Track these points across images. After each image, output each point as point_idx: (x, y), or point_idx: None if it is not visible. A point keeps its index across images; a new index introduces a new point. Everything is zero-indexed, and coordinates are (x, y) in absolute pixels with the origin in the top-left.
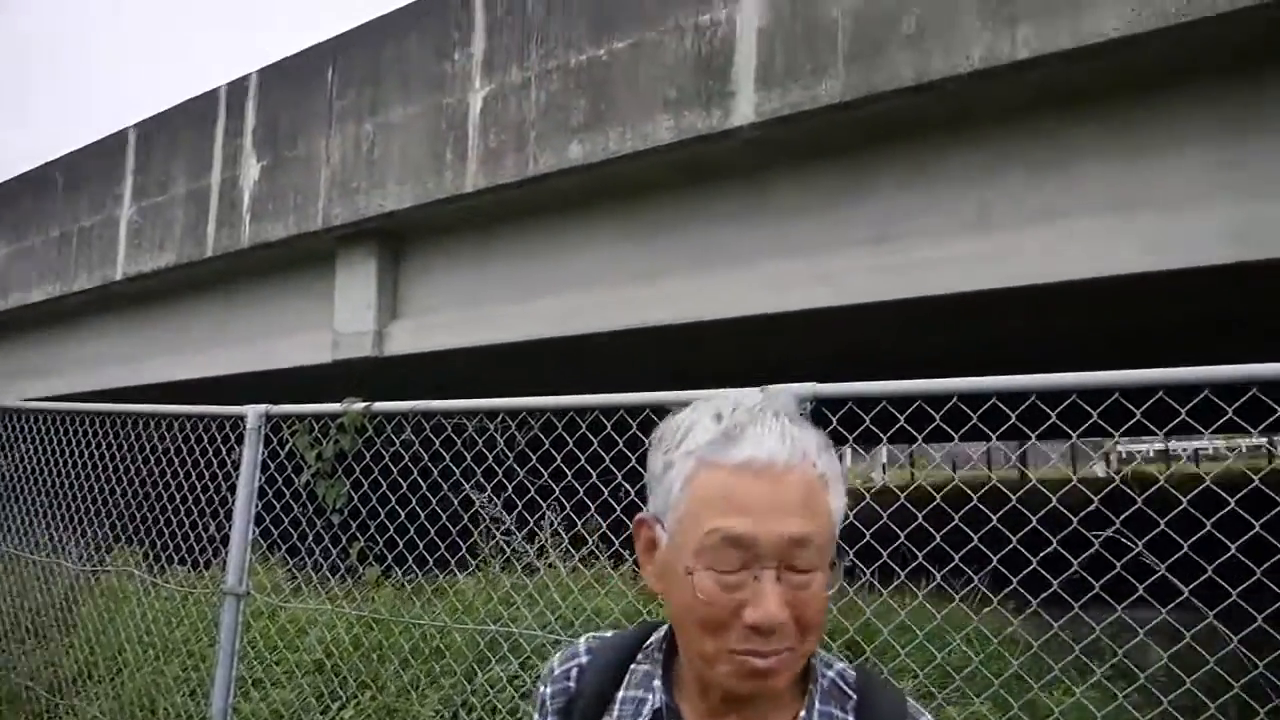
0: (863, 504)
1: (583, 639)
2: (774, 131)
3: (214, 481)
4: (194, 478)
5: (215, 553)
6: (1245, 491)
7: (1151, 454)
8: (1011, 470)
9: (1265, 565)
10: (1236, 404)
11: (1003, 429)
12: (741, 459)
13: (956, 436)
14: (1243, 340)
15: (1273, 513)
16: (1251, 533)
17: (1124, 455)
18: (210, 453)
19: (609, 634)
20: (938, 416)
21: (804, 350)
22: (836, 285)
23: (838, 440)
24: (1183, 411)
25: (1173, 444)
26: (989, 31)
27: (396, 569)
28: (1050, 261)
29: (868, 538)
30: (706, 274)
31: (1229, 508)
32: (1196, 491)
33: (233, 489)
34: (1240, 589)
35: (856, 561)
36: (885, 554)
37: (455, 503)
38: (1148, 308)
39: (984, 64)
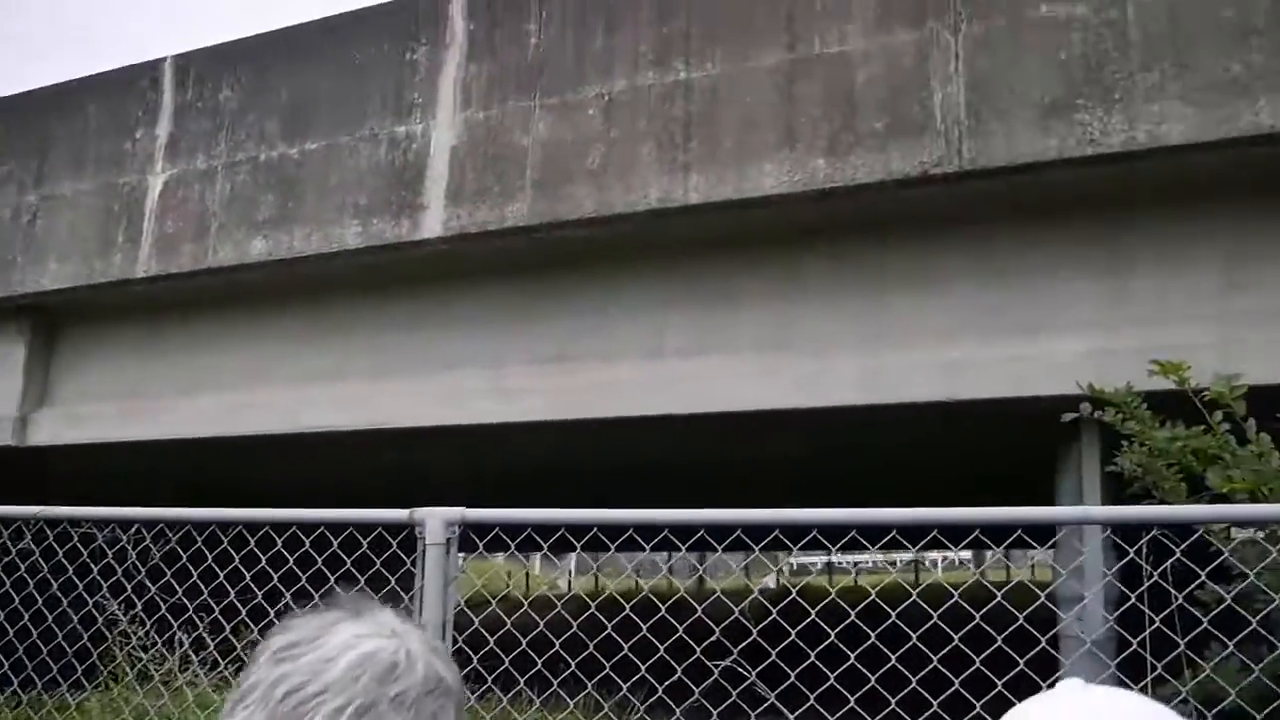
0: (520, 611)
1: None
2: (462, 247)
3: None
4: None
5: None
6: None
7: (820, 566)
8: (691, 581)
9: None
10: (842, 540)
11: (651, 545)
12: None
13: (578, 546)
14: (882, 473)
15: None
16: (833, 650)
17: (795, 567)
18: None
19: None
20: (578, 545)
21: (479, 464)
22: (514, 402)
23: (493, 549)
24: (793, 548)
25: (836, 557)
26: (665, 175)
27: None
28: (718, 392)
29: (491, 645)
30: (388, 380)
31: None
32: (805, 622)
33: None
34: (857, 695)
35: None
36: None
37: (75, 618)
38: (801, 439)
39: (660, 204)
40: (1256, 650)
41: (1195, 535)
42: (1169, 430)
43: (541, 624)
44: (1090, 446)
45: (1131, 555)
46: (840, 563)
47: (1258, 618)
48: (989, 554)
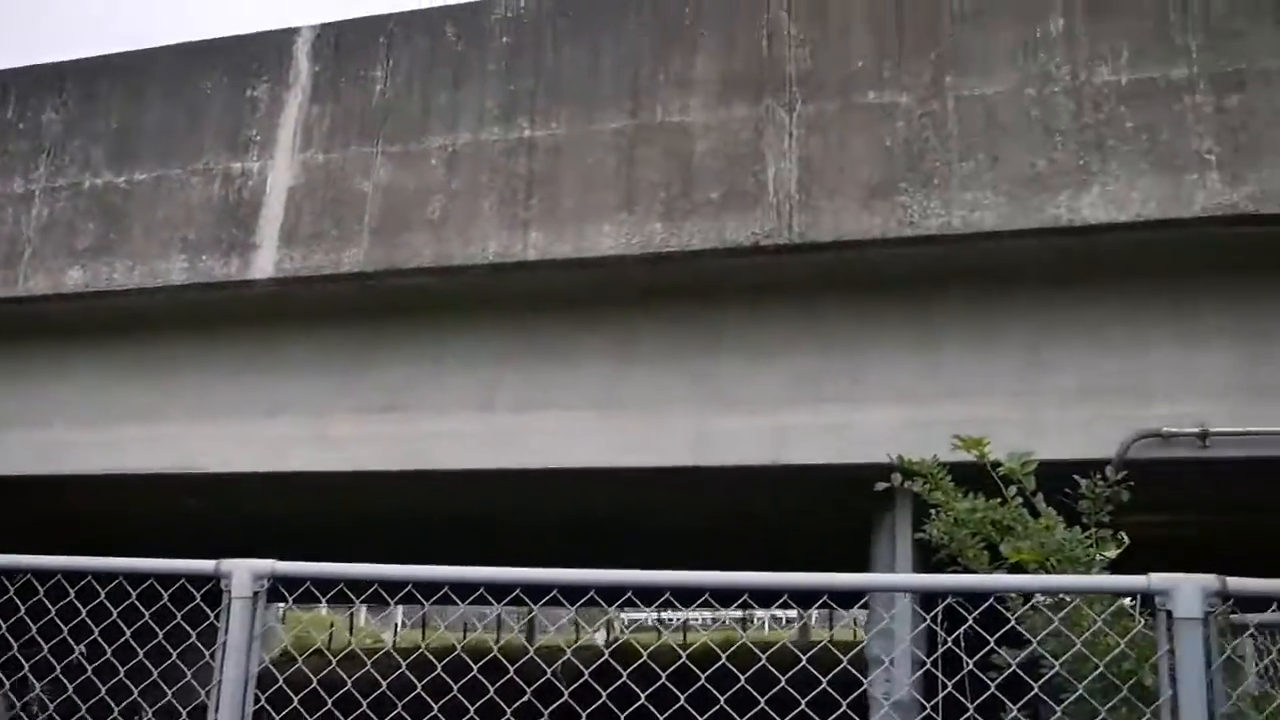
0: (329, 669)
1: None
2: (294, 289)
3: None
4: None
5: None
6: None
7: (650, 622)
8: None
9: None
10: (659, 599)
11: (468, 601)
12: None
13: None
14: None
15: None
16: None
17: (627, 623)
18: None
19: None
20: (391, 601)
21: (305, 513)
22: (341, 451)
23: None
24: (608, 608)
25: (665, 615)
26: (505, 230)
27: None
28: (549, 449)
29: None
30: (209, 423)
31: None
32: (616, 684)
33: None
34: None
35: None
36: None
37: None
38: (635, 497)
39: (498, 258)
40: (1049, 712)
41: (986, 603)
42: (969, 502)
43: (349, 682)
44: (904, 514)
45: (928, 621)
46: (671, 619)
47: (1040, 682)
48: (814, 613)
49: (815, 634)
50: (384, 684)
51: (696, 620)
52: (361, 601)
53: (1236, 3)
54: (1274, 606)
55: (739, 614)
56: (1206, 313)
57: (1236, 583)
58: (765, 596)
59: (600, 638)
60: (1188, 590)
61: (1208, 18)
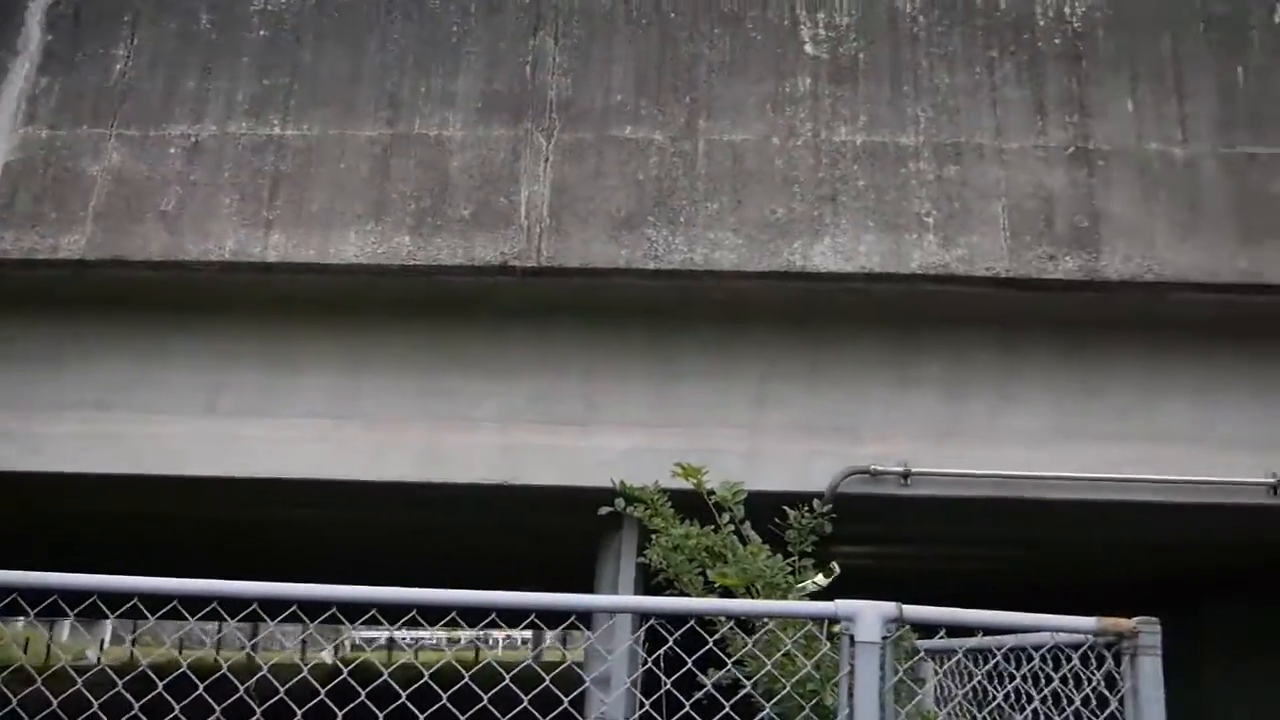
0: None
1: None
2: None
3: None
4: None
5: None
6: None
7: (384, 641)
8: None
9: None
10: (363, 617)
11: (157, 615)
12: None
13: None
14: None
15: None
16: None
17: (357, 642)
18: None
19: None
20: (71, 613)
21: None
22: (42, 449)
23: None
24: (309, 623)
25: (399, 634)
26: (245, 229)
27: None
28: (274, 457)
29: None
30: None
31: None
32: (314, 701)
33: None
34: None
35: None
36: None
37: None
38: (367, 510)
39: (234, 257)
40: None
41: (686, 626)
42: (685, 528)
43: (14, 701)
44: (629, 537)
45: (631, 642)
46: (407, 639)
47: (732, 701)
48: (547, 634)
49: (551, 654)
50: (54, 703)
51: (433, 640)
52: (37, 614)
53: (959, 81)
54: (941, 633)
55: (475, 634)
56: (919, 360)
57: (912, 610)
58: (477, 615)
59: (327, 657)
60: (869, 616)
61: (935, 92)
